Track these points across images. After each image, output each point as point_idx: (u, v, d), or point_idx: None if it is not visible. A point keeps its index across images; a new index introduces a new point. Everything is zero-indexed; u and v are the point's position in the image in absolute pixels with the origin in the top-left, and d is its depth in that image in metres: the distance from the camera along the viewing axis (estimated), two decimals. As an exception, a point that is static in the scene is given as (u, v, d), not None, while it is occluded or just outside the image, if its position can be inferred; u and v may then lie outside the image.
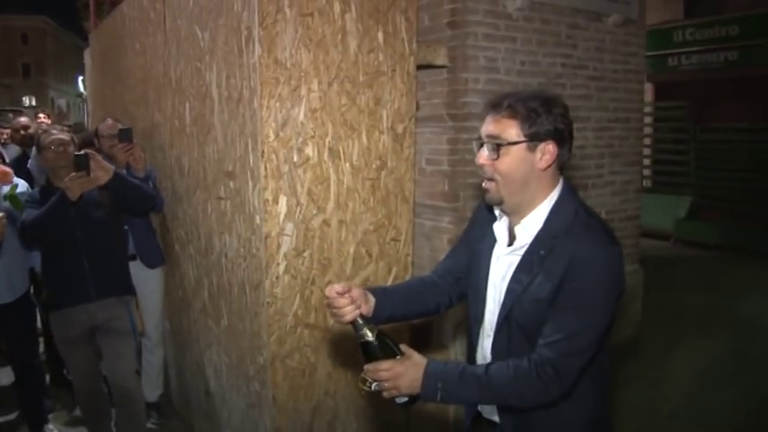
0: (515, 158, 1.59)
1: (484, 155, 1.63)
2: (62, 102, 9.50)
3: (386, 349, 1.59)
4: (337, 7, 2.76)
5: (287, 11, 2.64)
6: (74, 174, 3.11)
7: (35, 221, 3.21)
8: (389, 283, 3.04)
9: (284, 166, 2.72)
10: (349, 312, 1.62)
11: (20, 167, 4.23)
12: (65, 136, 3.44)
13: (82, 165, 3.12)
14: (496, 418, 1.77)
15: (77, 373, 3.51)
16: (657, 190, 10.32)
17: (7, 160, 4.37)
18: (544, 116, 1.57)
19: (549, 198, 1.63)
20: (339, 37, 2.79)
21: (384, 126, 2.96)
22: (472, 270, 1.82)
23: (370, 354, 1.59)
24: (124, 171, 3.56)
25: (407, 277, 3.07)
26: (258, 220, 2.74)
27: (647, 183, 10.85)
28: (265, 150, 2.66)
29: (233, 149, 2.92)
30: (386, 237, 3.03)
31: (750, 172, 8.77)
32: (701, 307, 6.07)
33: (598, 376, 1.68)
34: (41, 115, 6.75)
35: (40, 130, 3.66)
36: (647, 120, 10.78)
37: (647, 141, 10.84)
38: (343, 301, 1.62)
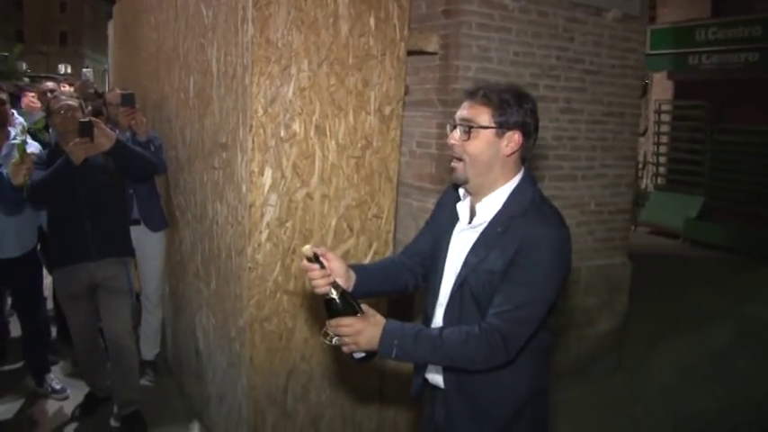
0: (483, 142, 1.75)
1: (456, 135, 1.79)
2: (88, 71, 9.75)
3: (348, 307, 1.72)
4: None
5: (280, -6, 2.78)
6: (78, 139, 3.30)
7: (41, 182, 3.40)
8: (369, 257, 3.19)
9: (271, 140, 2.87)
10: (322, 285, 1.74)
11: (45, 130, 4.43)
12: (73, 102, 3.62)
13: (86, 131, 3.30)
14: (441, 383, 1.92)
15: (76, 328, 3.72)
16: (670, 188, 10.30)
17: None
18: (515, 108, 1.73)
19: (509, 183, 1.80)
20: (331, 20, 2.92)
21: (371, 107, 3.09)
22: (434, 246, 1.98)
23: (333, 310, 1.73)
24: (128, 134, 3.75)
25: (388, 253, 3.21)
26: (244, 190, 2.90)
27: (660, 180, 10.85)
28: (254, 125, 2.82)
29: (227, 122, 3.08)
30: (368, 213, 3.17)
31: (764, 175, 8.72)
32: (698, 306, 6.12)
33: (537, 352, 1.83)
34: (65, 84, 6.97)
35: (51, 96, 3.84)
36: (665, 118, 10.75)
37: (664, 139, 10.82)
38: (316, 273, 1.75)
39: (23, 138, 3.15)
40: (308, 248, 1.75)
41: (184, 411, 3.88)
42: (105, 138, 3.37)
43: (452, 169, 1.82)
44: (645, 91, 12.61)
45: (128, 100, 3.82)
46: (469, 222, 1.85)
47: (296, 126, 2.91)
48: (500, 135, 1.74)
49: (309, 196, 3.00)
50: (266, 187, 2.89)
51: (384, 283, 2.03)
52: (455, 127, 1.80)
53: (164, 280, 4.35)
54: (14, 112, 4.39)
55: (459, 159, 1.79)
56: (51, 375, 4.13)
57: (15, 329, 4.64)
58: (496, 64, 3.58)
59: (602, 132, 4.16)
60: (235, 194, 3.03)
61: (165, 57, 4.20)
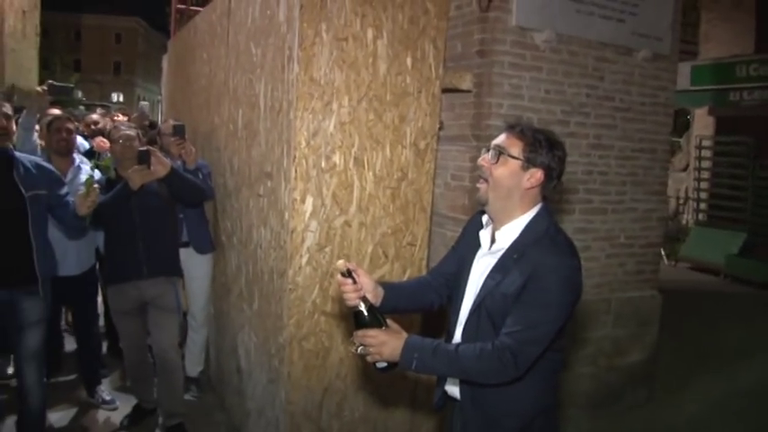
0: (509, 170, 1.93)
1: (487, 158, 1.98)
2: (145, 104, 10.35)
3: (374, 320, 1.92)
4: (370, 34, 3.12)
5: (324, 35, 3.01)
6: (136, 166, 3.59)
7: (100, 205, 3.67)
8: (403, 282, 3.37)
9: (313, 170, 3.09)
10: (353, 298, 1.94)
11: (88, 159, 4.74)
12: (131, 132, 3.92)
13: (144, 159, 3.59)
14: (458, 395, 2.08)
15: (127, 342, 3.97)
16: (712, 224, 10.22)
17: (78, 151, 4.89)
18: (545, 150, 1.92)
19: (527, 213, 1.97)
20: (370, 60, 3.14)
21: (407, 141, 3.29)
22: (458, 269, 2.16)
23: (360, 322, 1.92)
24: (178, 162, 4.03)
25: (421, 280, 3.38)
26: (287, 216, 3.11)
27: (701, 216, 10.78)
28: (297, 156, 3.04)
29: (272, 153, 3.31)
30: (402, 241, 3.35)
31: (807, 213, 8.63)
32: (733, 344, 6.08)
33: (546, 371, 1.98)
34: (119, 114, 7.38)
35: (111, 126, 4.15)
36: (706, 153, 10.72)
37: (705, 175, 10.78)
38: (348, 287, 1.94)
39: (92, 173, 3.42)
40: (341, 263, 1.95)
41: (225, 425, 4.07)
42: (161, 165, 3.64)
43: (477, 189, 2.01)
44: (687, 126, 12.62)
45: (179, 131, 4.12)
46: (489, 248, 2.02)
47: (336, 158, 3.13)
48: (525, 168, 1.92)
49: (347, 224, 3.20)
50: (307, 214, 3.10)
51: (410, 301, 2.21)
52: (488, 150, 1.99)
53: (209, 300, 4.59)
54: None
55: (485, 180, 1.97)
56: (102, 387, 4.38)
57: (70, 344, 4.94)
58: (528, 101, 3.76)
59: (632, 168, 4.28)
60: (278, 220, 3.24)
61: (215, 90, 4.49)
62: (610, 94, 4.07)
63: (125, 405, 4.21)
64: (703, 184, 10.88)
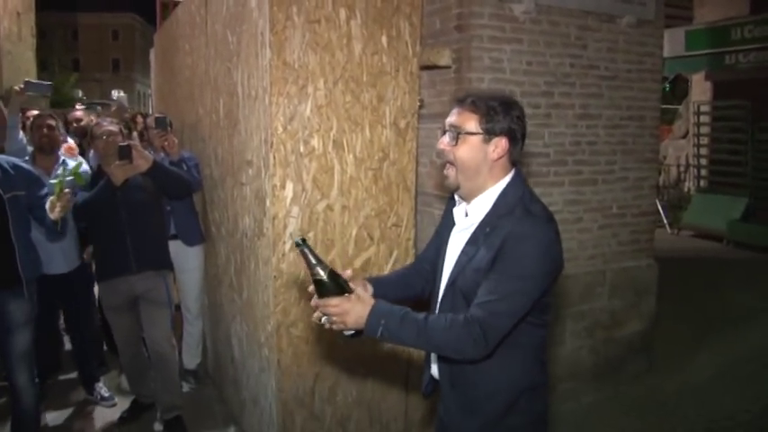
0: (471, 147, 1.84)
1: (445, 141, 1.89)
2: (123, 96, 10.13)
3: (336, 287, 1.78)
4: (343, 14, 3.07)
5: (295, 18, 2.97)
6: (118, 162, 3.56)
7: (84, 202, 3.67)
8: (390, 263, 3.34)
9: (291, 156, 3.05)
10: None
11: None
12: (113, 127, 3.89)
13: (125, 154, 3.56)
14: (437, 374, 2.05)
15: (120, 337, 3.97)
16: (713, 190, 10.15)
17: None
18: (501, 115, 1.83)
19: (498, 184, 1.87)
20: (344, 41, 3.10)
21: (387, 121, 3.25)
22: (439, 253, 2.09)
23: (322, 291, 1.79)
24: (161, 155, 4.01)
25: (408, 260, 3.34)
26: (268, 204, 3.08)
27: (702, 183, 10.70)
28: (274, 141, 3.01)
29: (251, 141, 3.28)
30: (387, 222, 3.32)
31: (809, 174, 8.55)
32: (737, 308, 6.06)
33: (528, 347, 1.91)
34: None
35: (94, 123, 4.13)
36: (705, 119, 10.61)
37: (705, 141, 10.68)
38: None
39: (63, 177, 3.36)
40: (295, 234, 1.90)
41: (223, 416, 4.08)
42: (143, 160, 3.61)
43: (445, 176, 1.93)
44: (686, 93, 12.49)
45: (160, 123, 4.11)
46: (463, 224, 1.96)
47: (314, 142, 3.09)
48: (487, 141, 1.83)
49: (330, 208, 3.17)
50: (288, 200, 3.07)
51: (398, 291, 2.15)
52: (445, 133, 1.90)
53: (203, 292, 4.58)
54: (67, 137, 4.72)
55: (451, 164, 1.89)
56: (100, 384, 4.38)
57: (69, 343, 4.95)
58: (509, 74, 3.70)
59: (621, 136, 4.22)
60: (260, 208, 3.21)
61: (198, 81, 4.45)
62: (594, 63, 4.01)
63: (123, 401, 4.22)
64: (703, 151, 10.79)
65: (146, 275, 3.79)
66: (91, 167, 4.25)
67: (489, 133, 1.83)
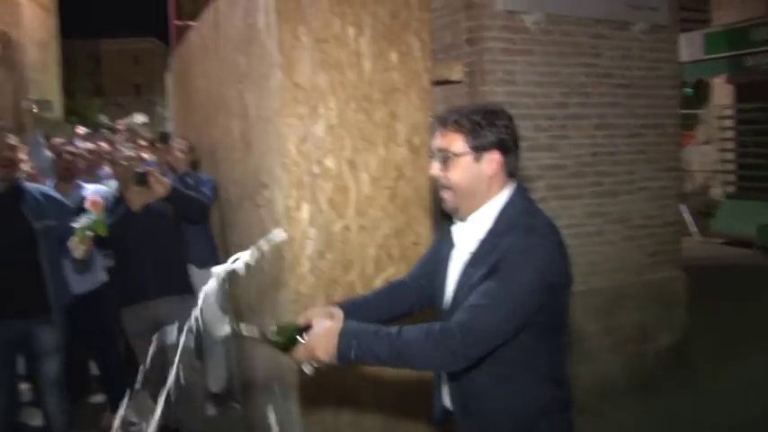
0: (463, 168, 1.76)
1: (436, 166, 1.82)
2: (139, 118, 9.62)
3: (290, 339, 1.73)
4: (351, 32, 3.05)
5: (303, 38, 2.96)
6: (135, 188, 3.58)
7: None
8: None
9: (306, 177, 3.03)
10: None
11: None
12: (132, 153, 3.91)
13: (142, 180, 3.57)
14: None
15: (144, 363, 3.96)
16: (741, 196, 9.95)
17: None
18: (487, 129, 1.74)
19: (496, 199, 1.79)
20: (354, 59, 3.08)
21: (401, 139, 3.21)
22: (437, 272, 2.01)
23: (284, 348, 1.75)
24: (172, 175, 4.06)
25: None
26: (284, 226, 3.06)
27: (729, 189, 10.49)
28: (287, 163, 2.99)
29: (264, 162, 3.26)
30: (406, 240, 3.27)
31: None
32: (768, 317, 5.90)
33: (541, 369, 1.80)
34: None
35: (113, 148, 4.16)
36: (728, 123, 10.43)
37: (730, 145, 10.49)
38: None
39: (86, 225, 3.39)
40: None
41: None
42: (160, 185, 3.62)
43: (443, 200, 1.85)
44: (708, 98, 12.31)
45: (163, 138, 4.16)
46: (462, 245, 1.89)
47: (329, 162, 3.07)
48: (478, 159, 1.75)
49: (347, 228, 3.14)
50: (305, 222, 3.04)
51: (380, 311, 2.05)
52: (433, 157, 1.84)
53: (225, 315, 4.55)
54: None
55: (449, 188, 1.81)
56: (128, 410, 4.37)
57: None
58: (523, 86, 3.66)
59: (640, 145, 4.16)
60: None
61: (212, 103, 4.47)
62: (609, 71, 3.96)
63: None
64: (729, 155, 10.59)
65: (167, 300, 3.79)
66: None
67: (479, 150, 1.75)
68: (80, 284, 4.11)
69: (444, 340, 1.59)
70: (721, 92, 11.12)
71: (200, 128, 5.07)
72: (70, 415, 3.59)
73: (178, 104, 6.96)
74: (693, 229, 9.97)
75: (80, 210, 3.63)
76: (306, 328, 1.75)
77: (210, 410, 4.40)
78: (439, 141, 1.81)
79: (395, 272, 3.28)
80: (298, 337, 1.73)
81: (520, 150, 1.81)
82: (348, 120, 3.09)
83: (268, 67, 3.07)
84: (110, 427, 3.90)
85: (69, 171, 4.17)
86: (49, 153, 4.51)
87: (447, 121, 1.80)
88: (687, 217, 9.39)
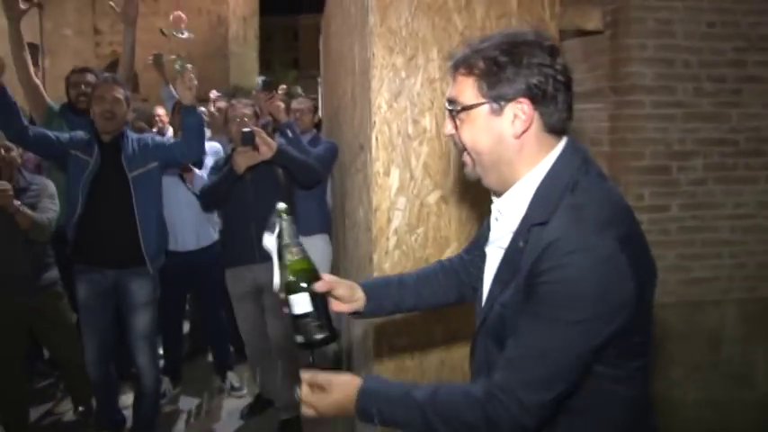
0: (476, 125, 1.30)
1: (447, 126, 1.39)
2: (260, 78, 9.89)
3: (296, 282, 1.48)
4: (466, -32, 2.58)
5: (404, -24, 2.54)
6: (240, 148, 3.42)
7: (210, 187, 3.60)
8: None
9: (397, 138, 2.64)
10: None
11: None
12: (248, 110, 3.76)
13: (248, 141, 3.41)
14: None
15: (245, 328, 3.85)
16: None
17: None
18: (510, 69, 1.24)
19: (535, 171, 1.29)
20: (463, 2, 2.61)
21: (516, 98, 2.70)
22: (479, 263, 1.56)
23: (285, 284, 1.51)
24: (269, 119, 3.92)
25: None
26: (371, 193, 2.70)
27: None
28: (377, 121, 2.62)
29: (361, 121, 2.92)
30: (514, 219, 2.78)
31: None
32: None
33: (612, 411, 1.27)
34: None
35: (228, 105, 4.05)
36: None
37: None
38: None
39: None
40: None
41: (342, 423, 3.79)
42: (266, 146, 3.44)
43: (464, 163, 1.40)
44: None
45: (266, 85, 4.02)
46: (495, 235, 1.42)
47: (426, 122, 2.65)
48: (497, 111, 1.27)
49: (444, 200, 2.71)
50: (393, 189, 2.66)
51: (419, 296, 1.67)
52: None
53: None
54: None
55: (468, 153, 1.36)
56: (232, 373, 4.33)
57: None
58: (683, 39, 2.95)
59: None
60: (367, 198, 2.85)
61: (340, 62, 4.20)
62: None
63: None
64: None
65: (270, 265, 3.62)
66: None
67: (497, 99, 1.26)
68: (192, 241, 4.09)
69: (485, 414, 1.20)
70: None
71: (334, 88, 4.85)
72: (160, 372, 3.58)
73: (323, 70, 6.84)
74: None
75: None
76: (317, 295, 1.48)
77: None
78: (450, 90, 1.38)
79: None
80: (303, 284, 1.47)
81: (570, 98, 1.28)
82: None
83: (365, 11, 2.70)
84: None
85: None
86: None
87: (458, 62, 1.33)
88: None
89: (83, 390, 3.82)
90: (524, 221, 1.27)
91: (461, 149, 1.36)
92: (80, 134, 3.44)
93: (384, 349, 2.75)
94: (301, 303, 1.46)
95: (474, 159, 1.34)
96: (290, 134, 3.99)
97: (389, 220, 2.67)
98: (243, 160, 3.46)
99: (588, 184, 1.25)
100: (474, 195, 2.70)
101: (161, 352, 4.15)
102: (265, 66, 34.25)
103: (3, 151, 3.48)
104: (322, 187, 4.16)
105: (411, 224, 2.69)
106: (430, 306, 1.74)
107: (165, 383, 4.11)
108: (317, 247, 4.21)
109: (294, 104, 4.55)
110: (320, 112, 5.89)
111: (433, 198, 2.69)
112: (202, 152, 3.77)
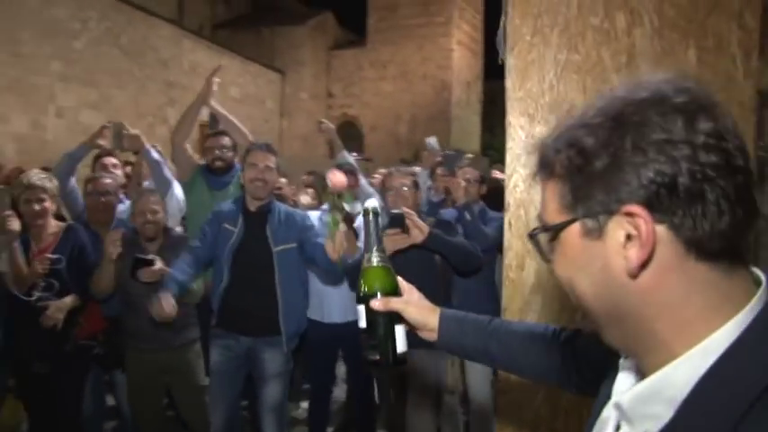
0: (570, 256, 0.82)
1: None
2: (432, 140, 8.61)
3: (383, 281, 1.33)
4: (622, 21, 2.10)
5: (546, 31, 2.13)
6: (389, 230, 3.15)
7: (355, 267, 3.39)
8: None
9: (535, 224, 2.18)
10: None
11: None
12: (407, 180, 3.51)
13: (397, 223, 3.13)
14: None
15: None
16: None
17: None
18: (605, 158, 0.74)
19: (702, 345, 0.73)
20: (624, 59, 2.11)
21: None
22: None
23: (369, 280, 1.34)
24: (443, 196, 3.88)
25: None
26: (501, 289, 2.26)
27: None
28: (511, 203, 2.22)
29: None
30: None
31: None
32: None
33: None
34: None
35: (387, 173, 3.84)
36: None
37: None
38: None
39: (335, 215, 3.10)
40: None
41: None
42: (417, 229, 3.14)
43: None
44: None
45: (448, 160, 3.73)
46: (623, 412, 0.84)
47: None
48: (594, 233, 0.77)
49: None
50: (528, 287, 2.21)
51: (510, 354, 1.33)
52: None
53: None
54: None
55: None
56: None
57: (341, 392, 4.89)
58: None
59: None
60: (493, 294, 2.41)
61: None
62: None
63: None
64: None
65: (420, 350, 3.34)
66: None
67: (591, 213, 0.77)
68: (338, 314, 3.92)
69: None
70: None
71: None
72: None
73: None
74: None
75: None
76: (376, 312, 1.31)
77: None
78: (540, 207, 0.90)
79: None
80: (362, 296, 1.33)
81: (744, 190, 0.72)
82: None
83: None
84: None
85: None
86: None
87: (542, 161, 0.85)
88: None
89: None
90: (684, 419, 0.72)
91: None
92: (228, 205, 3.45)
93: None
94: (361, 316, 1.33)
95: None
96: (467, 216, 3.71)
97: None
98: (392, 244, 3.16)
99: None
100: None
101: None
102: (487, 129, 34.54)
103: (149, 216, 3.53)
104: (490, 266, 3.73)
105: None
106: (524, 374, 1.39)
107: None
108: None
109: (459, 174, 4.22)
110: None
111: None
112: (340, 281, 3.69)
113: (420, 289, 1.42)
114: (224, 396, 3.37)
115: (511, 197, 2.18)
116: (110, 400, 4.23)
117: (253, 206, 3.36)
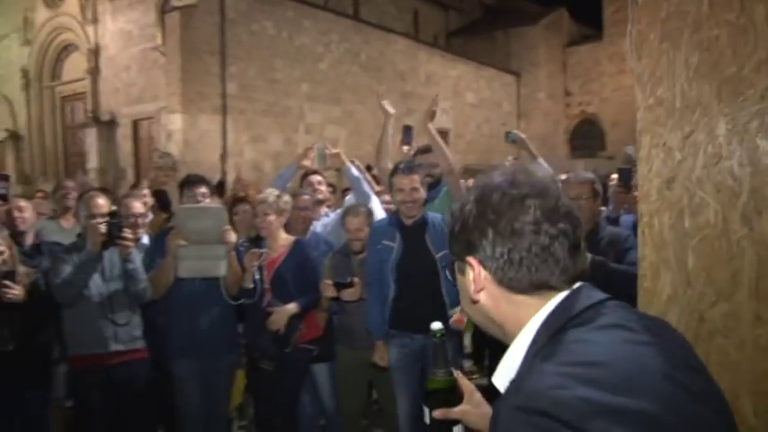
0: (459, 283, 1.28)
1: None
2: (629, 148, 7.05)
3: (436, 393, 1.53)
4: (762, 11, 1.95)
5: (675, 34, 2.06)
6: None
7: None
8: None
9: (669, 233, 2.13)
10: None
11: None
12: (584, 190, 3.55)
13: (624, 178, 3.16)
14: None
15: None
16: None
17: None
18: (471, 219, 1.18)
19: (521, 337, 1.17)
20: (765, 55, 1.96)
21: None
22: None
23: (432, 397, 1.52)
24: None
25: None
26: (639, 298, 2.23)
27: None
28: (644, 212, 2.16)
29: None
30: None
31: None
32: None
33: None
34: None
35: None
36: None
37: None
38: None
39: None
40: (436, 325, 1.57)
41: None
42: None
43: None
44: None
45: (623, 176, 3.57)
46: None
47: (708, 214, 2.07)
48: (462, 271, 1.24)
49: (733, 316, 2.05)
50: (663, 298, 2.17)
51: None
52: None
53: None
54: None
55: None
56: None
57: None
58: None
59: None
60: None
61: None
62: None
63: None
64: None
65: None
66: None
67: (458, 259, 1.25)
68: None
69: None
70: None
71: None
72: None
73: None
74: None
75: None
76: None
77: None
78: None
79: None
80: (427, 401, 1.53)
81: (553, 254, 1.14)
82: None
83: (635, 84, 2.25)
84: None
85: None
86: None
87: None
88: None
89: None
90: None
91: None
92: (382, 223, 3.90)
93: None
94: (426, 414, 1.51)
95: None
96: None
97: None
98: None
99: (557, 351, 1.09)
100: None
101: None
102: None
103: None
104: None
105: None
106: None
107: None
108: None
109: (563, 187, 4.00)
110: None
111: (717, 312, 2.06)
112: None
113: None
114: (407, 387, 3.70)
115: (643, 206, 2.14)
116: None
117: (408, 221, 3.69)
